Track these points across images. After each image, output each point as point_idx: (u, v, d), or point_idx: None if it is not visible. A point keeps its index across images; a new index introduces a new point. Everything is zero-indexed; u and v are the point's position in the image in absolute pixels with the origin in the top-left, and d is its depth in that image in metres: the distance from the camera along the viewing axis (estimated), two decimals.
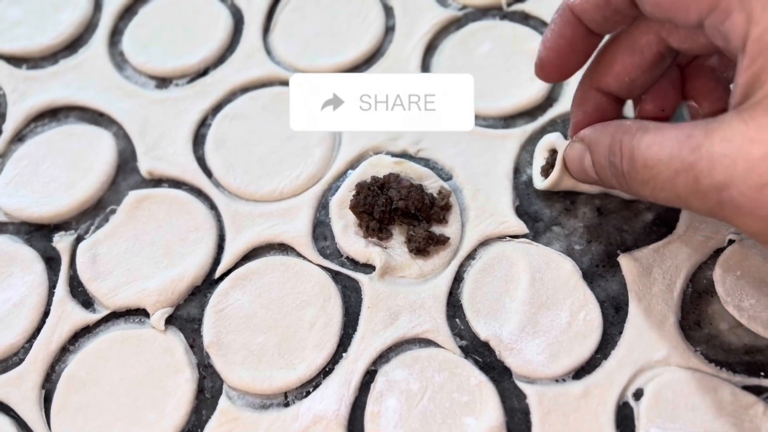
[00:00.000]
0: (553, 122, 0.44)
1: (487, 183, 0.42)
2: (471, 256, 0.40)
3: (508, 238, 0.41)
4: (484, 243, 0.41)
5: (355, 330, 0.39)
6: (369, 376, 0.37)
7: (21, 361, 0.39)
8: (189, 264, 0.41)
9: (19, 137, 0.47)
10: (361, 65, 0.48)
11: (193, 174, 0.44)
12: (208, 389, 0.38)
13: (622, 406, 0.36)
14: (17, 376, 0.39)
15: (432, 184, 0.42)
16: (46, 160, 0.45)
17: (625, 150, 0.30)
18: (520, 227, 0.40)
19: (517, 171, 0.43)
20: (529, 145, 0.44)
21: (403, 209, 0.40)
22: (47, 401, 0.38)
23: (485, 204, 0.41)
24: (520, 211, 0.41)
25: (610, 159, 0.31)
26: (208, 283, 0.41)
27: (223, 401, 0.37)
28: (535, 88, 0.45)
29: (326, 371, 0.38)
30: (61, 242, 0.43)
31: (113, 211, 0.43)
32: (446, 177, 0.43)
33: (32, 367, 0.39)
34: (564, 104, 0.45)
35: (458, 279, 0.40)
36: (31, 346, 0.40)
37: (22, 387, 0.38)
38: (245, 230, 0.42)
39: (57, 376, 0.39)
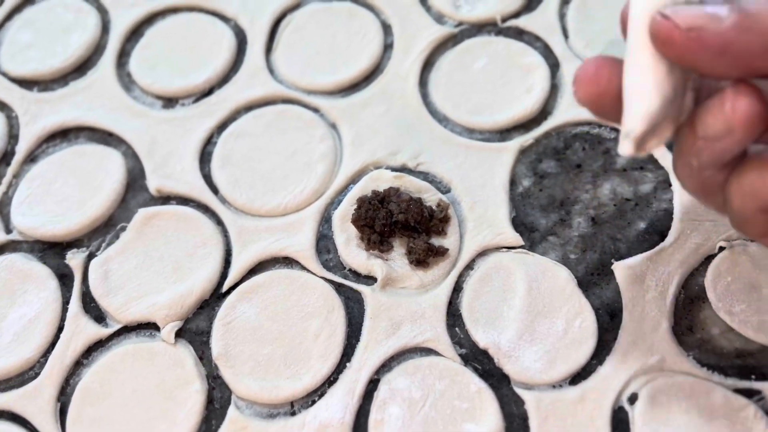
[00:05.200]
0: (547, 134, 0.46)
1: (484, 195, 0.44)
2: (469, 266, 0.42)
3: (505, 249, 0.42)
4: (482, 253, 0.42)
5: (358, 340, 0.40)
6: (372, 385, 0.39)
7: (37, 375, 0.41)
8: (197, 278, 0.42)
9: (31, 158, 0.49)
10: (361, 82, 0.49)
11: (200, 191, 0.46)
12: (218, 400, 0.40)
13: (617, 411, 0.37)
14: (33, 389, 0.40)
15: (431, 197, 0.43)
16: (58, 179, 0.47)
17: None
18: (516, 239, 0.42)
19: (513, 183, 0.44)
20: (524, 157, 0.45)
21: (403, 222, 0.41)
22: (63, 414, 0.40)
23: (482, 215, 0.43)
24: (517, 222, 0.43)
25: None
26: (216, 296, 0.42)
27: (231, 411, 0.39)
28: (530, 102, 0.46)
29: (331, 381, 0.39)
30: (74, 259, 0.44)
31: (123, 228, 0.45)
32: (444, 190, 0.44)
33: (48, 380, 0.40)
34: (558, 117, 0.46)
35: (457, 289, 0.41)
36: (46, 361, 0.41)
37: (38, 400, 0.40)
38: (251, 245, 0.43)
39: (72, 389, 0.40)
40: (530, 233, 0.42)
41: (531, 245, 0.42)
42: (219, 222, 0.45)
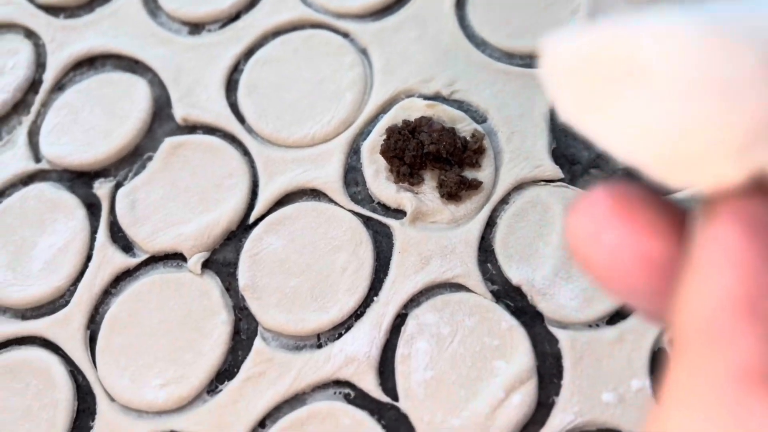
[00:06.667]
0: None
1: (523, 125, 0.41)
2: (505, 200, 0.40)
3: (543, 183, 0.39)
4: (519, 187, 0.40)
5: (386, 275, 0.39)
6: (400, 320, 0.38)
7: (67, 303, 0.41)
8: (224, 209, 0.41)
9: (59, 86, 0.48)
10: (393, 5, 0.46)
11: (226, 120, 0.44)
12: (244, 331, 0.39)
13: (657, 352, 0.35)
14: (63, 317, 0.40)
15: (465, 127, 0.41)
16: (85, 108, 0.46)
17: None
18: (555, 172, 0.39)
19: (555, 112, 0.41)
20: None
21: (434, 153, 0.39)
22: (92, 341, 0.40)
23: (520, 147, 0.40)
24: (557, 154, 0.40)
25: None
26: (243, 228, 0.41)
27: (258, 342, 0.38)
28: (576, 24, 0.43)
29: (358, 314, 0.38)
30: (101, 189, 0.44)
31: (150, 158, 0.44)
32: (480, 119, 0.42)
33: (77, 308, 0.40)
34: None
35: (491, 224, 0.39)
36: (76, 289, 0.41)
37: (69, 327, 0.40)
38: (278, 176, 0.42)
39: (101, 317, 0.40)
40: (571, 166, 0.40)
41: (571, 179, 0.39)
42: (245, 152, 0.43)
